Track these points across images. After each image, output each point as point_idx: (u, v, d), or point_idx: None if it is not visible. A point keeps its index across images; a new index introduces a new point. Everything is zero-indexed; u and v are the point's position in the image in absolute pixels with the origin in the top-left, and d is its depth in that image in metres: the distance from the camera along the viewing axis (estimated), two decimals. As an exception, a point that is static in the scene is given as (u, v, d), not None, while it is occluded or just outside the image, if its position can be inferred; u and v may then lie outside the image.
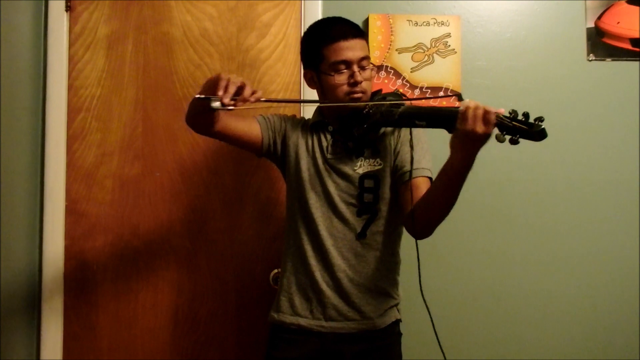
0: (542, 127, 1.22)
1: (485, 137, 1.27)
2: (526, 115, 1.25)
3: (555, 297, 2.02)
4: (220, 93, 1.29)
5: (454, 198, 1.37)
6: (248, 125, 1.59)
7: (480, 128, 1.25)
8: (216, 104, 1.30)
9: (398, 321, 1.62)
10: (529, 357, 2.01)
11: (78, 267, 1.99)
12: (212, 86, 1.34)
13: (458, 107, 1.30)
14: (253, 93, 1.33)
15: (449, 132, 1.33)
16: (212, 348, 2.00)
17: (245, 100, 1.32)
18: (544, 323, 2.02)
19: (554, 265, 2.02)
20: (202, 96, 1.34)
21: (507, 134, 1.26)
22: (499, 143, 1.26)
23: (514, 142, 1.26)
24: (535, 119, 1.24)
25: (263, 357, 1.66)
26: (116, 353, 1.99)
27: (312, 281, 1.56)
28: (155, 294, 2.00)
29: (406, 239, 1.58)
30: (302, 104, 2.00)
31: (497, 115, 1.26)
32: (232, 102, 1.30)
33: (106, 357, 1.99)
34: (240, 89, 1.32)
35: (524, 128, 1.24)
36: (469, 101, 1.29)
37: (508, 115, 1.27)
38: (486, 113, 1.25)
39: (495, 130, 1.27)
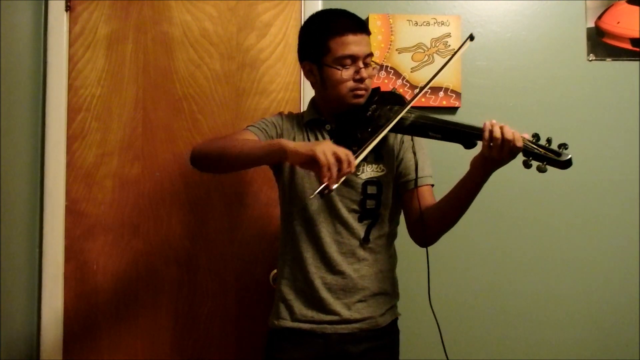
0: (570, 156, 1.23)
1: (508, 162, 1.32)
2: (549, 140, 1.26)
3: (556, 297, 2.02)
4: (326, 180, 1.24)
5: (467, 209, 1.44)
6: None
7: (506, 157, 1.30)
8: (325, 192, 1.24)
9: (397, 318, 1.62)
10: (531, 357, 2.01)
11: (78, 267, 1.99)
12: (306, 162, 1.27)
13: (481, 128, 1.30)
14: (349, 162, 1.26)
15: (466, 148, 1.35)
16: (212, 348, 2.00)
17: (347, 174, 1.28)
18: (546, 323, 2.02)
19: (556, 266, 2.02)
20: (317, 193, 1.23)
21: (533, 160, 1.27)
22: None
23: (541, 169, 1.25)
24: (559, 146, 1.25)
25: (263, 359, 1.63)
26: (116, 353, 1.99)
27: (311, 288, 1.52)
28: (155, 294, 2.00)
29: (409, 243, 1.57)
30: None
31: (525, 142, 1.27)
32: (339, 182, 1.27)
33: (106, 357, 1.99)
34: (340, 164, 1.26)
35: (551, 156, 1.24)
36: (492, 126, 1.29)
37: (531, 139, 1.28)
38: (514, 146, 1.27)
39: (521, 156, 1.28)
